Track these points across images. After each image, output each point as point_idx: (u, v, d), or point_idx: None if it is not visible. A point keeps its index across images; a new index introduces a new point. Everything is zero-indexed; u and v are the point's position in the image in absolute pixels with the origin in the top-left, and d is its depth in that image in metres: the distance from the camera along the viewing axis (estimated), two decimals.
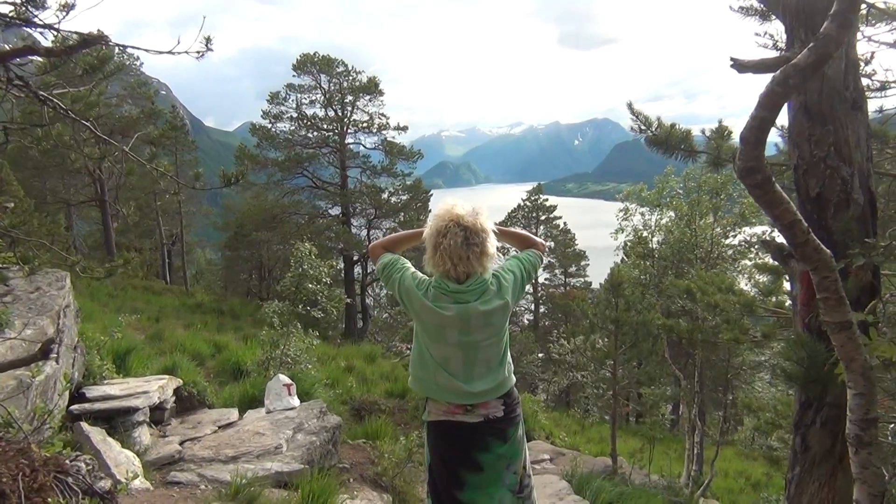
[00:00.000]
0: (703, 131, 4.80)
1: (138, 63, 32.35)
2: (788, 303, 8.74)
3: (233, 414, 7.65)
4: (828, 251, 2.14)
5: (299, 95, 32.53)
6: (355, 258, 32.98)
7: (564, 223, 43.37)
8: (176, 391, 7.78)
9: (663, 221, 27.11)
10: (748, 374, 19.65)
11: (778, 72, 1.96)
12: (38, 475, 3.26)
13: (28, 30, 3.80)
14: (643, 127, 4.61)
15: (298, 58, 32.10)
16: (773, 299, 8.81)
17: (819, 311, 2.34)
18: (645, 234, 28.03)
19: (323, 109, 32.94)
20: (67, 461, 3.61)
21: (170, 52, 3.53)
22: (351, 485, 6.42)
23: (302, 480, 5.50)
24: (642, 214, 28.56)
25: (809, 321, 3.78)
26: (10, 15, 3.41)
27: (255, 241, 31.67)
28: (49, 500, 3.15)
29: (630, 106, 4.74)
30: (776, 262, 6.02)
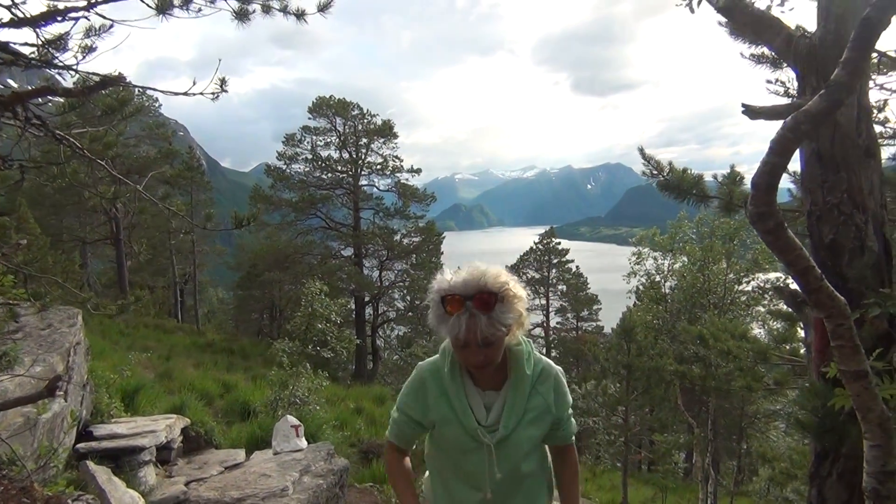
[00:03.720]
0: (714, 176, 4.79)
1: (157, 104, 32.94)
2: (803, 350, 8.63)
3: (240, 455, 7.57)
4: (842, 298, 2.11)
5: (314, 137, 33.01)
6: (367, 299, 32.98)
7: (577, 267, 43.21)
8: (183, 431, 7.72)
9: (676, 266, 27.04)
10: (763, 423, 19.33)
11: (789, 118, 1.96)
12: None
13: (49, 71, 3.88)
14: (655, 171, 4.61)
15: (315, 101, 32.62)
16: (787, 346, 8.70)
17: (834, 359, 2.29)
18: (657, 278, 27.93)
19: (337, 151, 33.37)
20: (69, 501, 3.57)
21: (185, 94, 3.58)
22: None
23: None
24: (655, 259, 28.53)
25: (822, 369, 3.72)
26: (31, 56, 3.48)
27: (268, 281, 31.80)
28: None
29: (642, 151, 4.75)
30: (790, 309, 5.97)
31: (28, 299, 4.37)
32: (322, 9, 4.05)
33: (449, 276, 2.15)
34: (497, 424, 2.27)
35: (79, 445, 6.15)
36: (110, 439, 6.52)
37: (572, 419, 2.48)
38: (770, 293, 23.11)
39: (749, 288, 24.65)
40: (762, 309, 23.92)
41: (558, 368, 2.40)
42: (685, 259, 26.09)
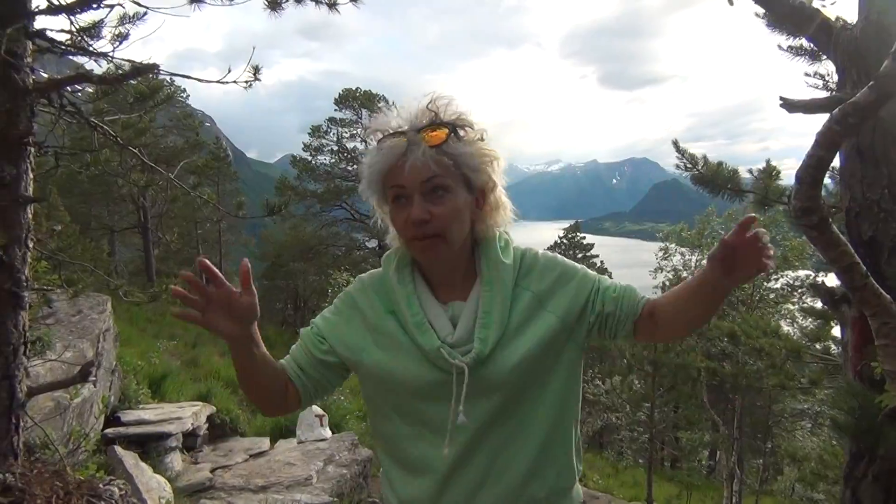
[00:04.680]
0: (749, 171, 4.69)
1: (185, 95, 33.17)
2: (835, 349, 8.48)
3: (264, 443, 7.63)
4: (888, 296, 2.05)
5: (340, 129, 33.08)
6: None
7: (601, 262, 42.97)
8: (209, 418, 7.80)
9: (704, 262, 26.80)
10: (789, 422, 19.11)
11: (836, 110, 1.90)
12: (71, 498, 3.26)
13: (82, 58, 3.90)
14: (689, 164, 4.53)
15: (341, 92, 32.69)
16: (820, 345, 8.56)
17: (873, 358, 2.24)
18: (685, 274, 27.68)
19: (363, 143, 33.40)
20: (101, 485, 3.60)
21: (219, 82, 3.60)
22: None
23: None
24: (682, 254, 28.25)
25: (861, 369, 3.64)
26: (66, 43, 3.50)
27: (292, 272, 31.99)
28: None
29: (676, 144, 4.67)
30: (824, 307, 5.87)
31: (61, 285, 4.42)
32: None
33: (395, 110, 1.44)
34: (469, 343, 1.44)
35: (107, 430, 6.23)
36: (138, 425, 6.61)
37: (605, 281, 1.58)
38: (800, 290, 22.79)
39: (778, 285, 24.32)
40: (791, 306, 23.61)
41: (543, 251, 1.62)
42: None
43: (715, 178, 4.40)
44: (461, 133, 1.39)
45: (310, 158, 33.39)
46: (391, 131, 1.39)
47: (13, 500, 3.09)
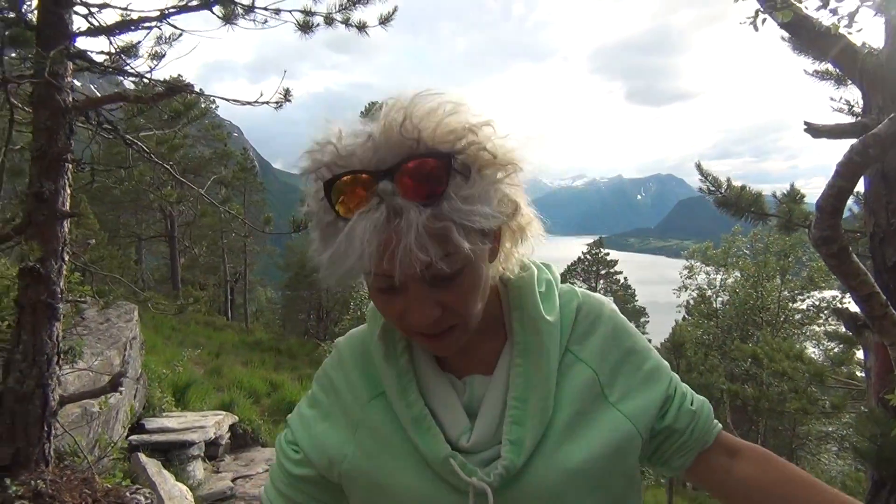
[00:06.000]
0: (773, 194, 4.69)
1: (213, 106, 33.70)
2: (860, 373, 8.38)
3: None
4: None
5: None
6: None
7: (625, 278, 42.78)
8: (231, 427, 7.89)
9: (729, 281, 26.56)
10: (814, 445, 18.83)
11: (857, 141, 1.92)
12: None
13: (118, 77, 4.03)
14: (712, 188, 4.55)
15: (367, 105, 32.77)
16: (845, 369, 8.47)
17: (894, 387, 2.24)
18: (709, 293, 27.45)
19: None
20: (127, 493, 3.69)
21: (252, 103, 3.70)
22: None
23: None
24: (707, 273, 28.06)
25: (884, 396, 3.62)
26: (105, 63, 3.61)
27: (315, 283, 32.09)
28: None
29: (699, 166, 4.70)
30: (848, 332, 5.84)
31: (92, 296, 4.53)
32: (384, 21, 4.13)
33: (337, 130, 0.85)
34: (495, 445, 0.93)
35: (131, 438, 6.33)
36: (161, 433, 6.71)
37: (681, 384, 1.09)
38: (826, 312, 22.51)
39: (804, 306, 24.05)
40: (817, 328, 23.32)
41: (612, 305, 1.09)
42: (738, 274, 25.62)
43: (738, 202, 4.42)
44: (463, 162, 0.79)
45: None
46: (342, 169, 0.80)
47: None
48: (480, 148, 0.80)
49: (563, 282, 1.08)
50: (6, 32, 3.44)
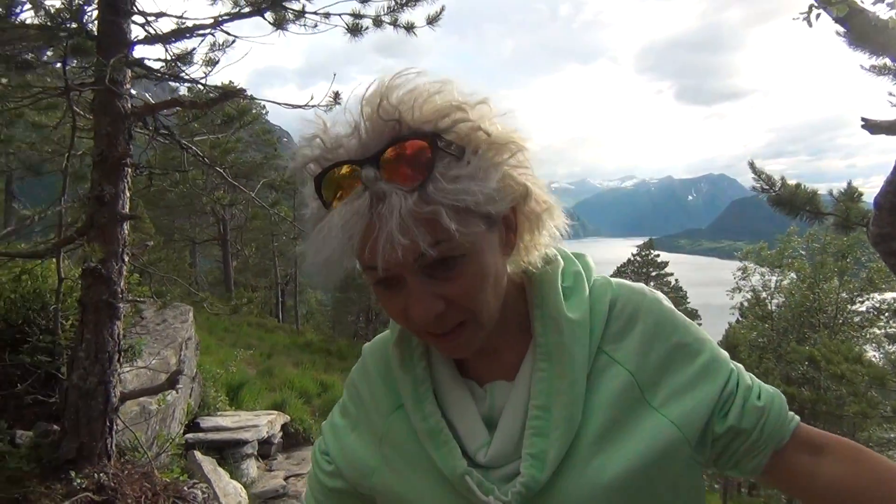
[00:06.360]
0: (830, 192, 4.55)
1: (264, 112, 34.31)
2: None
3: None
4: None
5: None
6: None
7: (676, 280, 42.09)
8: (283, 427, 8.03)
9: (784, 283, 25.95)
10: (875, 451, 18.25)
11: None
12: (158, 499, 3.45)
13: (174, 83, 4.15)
14: (766, 186, 4.46)
15: None
16: None
17: None
18: (764, 295, 26.85)
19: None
20: (185, 487, 3.80)
21: (302, 107, 3.78)
22: None
23: None
24: (762, 274, 27.46)
25: None
26: (162, 70, 3.74)
27: (365, 285, 32.41)
28: None
29: (752, 164, 4.61)
30: None
31: (150, 297, 4.68)
32: (431, 21, 4.17)
33: (323, 123, 0.79)
34: (515, 460, 0.85)
35: (187, 435, 6.49)
36: (216, 431, 6.87)
37: (745, 376, 0.93)
38: (886, 315, 21.80)
39: (863, 308, 23.32)
40: (878, 331, 22.59)
41: (655, 295, 0.93)
42: (794, 276, 24.99)
43: (793, 200, 4.32)
44: (451, 142, 0.73)
45: None
46: (329, 162, 0.76)
47: (106, 498, 3.29)
48: (473, 127, 0.74)
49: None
50: (69, 42, 3.58)
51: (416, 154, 0.71)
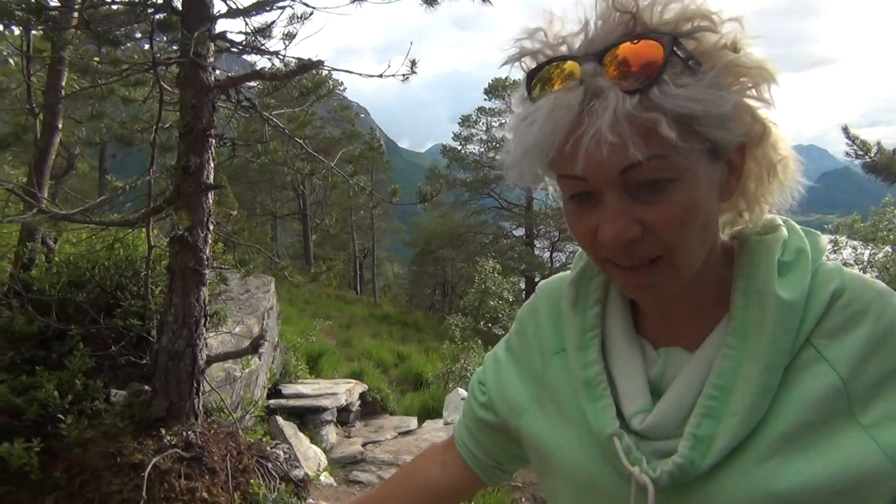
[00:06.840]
0: None
1: (342, 88, 34.74)
2: None
3: (412, 422, 7.92)
4: None
5: (489, 118, 33.40)
6: (537, 279, 33.05)
7: None
8: (361, 395, 8.21)
9: (878, 256, 24.72)
10: None
11: None
12: (243, 458, 3.60)
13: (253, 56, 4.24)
14: (860, 152, 4.22)
15: (490, 82, 32.97)
16: None
17: None
18: (856, 269, 25.63)
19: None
20: (268, 448, 3.95)
21: (379, 76, 3.81)
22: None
23: (475, 493, 5.59)
24: (854, 248, 26.19)
25: None
26: (242, 44, 3.82)
27: (441, 258, 32.86)
28: (251, 481, 3.46)
29: (846, 130, 4.36)
30: None
31: (234, 265, 4.85)
32: None
33: (550, 16, 0.71)
34: (675, 437, 0.73)
35: (269, 401, 6.72)
36: (296, 398, 7.09)
37: None
38: None
39: None
40: None
41: (893, 299, 0.71)
42: (889, 249, 23.76)
43: (890, 166, 4.08)
44: (692, 49, 0.64)
45: (459, 148, 34.04)
46: (547, 57, 0.69)
47: (194, 455, 3.46)
48: (719, 42, 0.65)
49: None
50: (155, 18, 3.71)
51: (647, 53, 0.63)
